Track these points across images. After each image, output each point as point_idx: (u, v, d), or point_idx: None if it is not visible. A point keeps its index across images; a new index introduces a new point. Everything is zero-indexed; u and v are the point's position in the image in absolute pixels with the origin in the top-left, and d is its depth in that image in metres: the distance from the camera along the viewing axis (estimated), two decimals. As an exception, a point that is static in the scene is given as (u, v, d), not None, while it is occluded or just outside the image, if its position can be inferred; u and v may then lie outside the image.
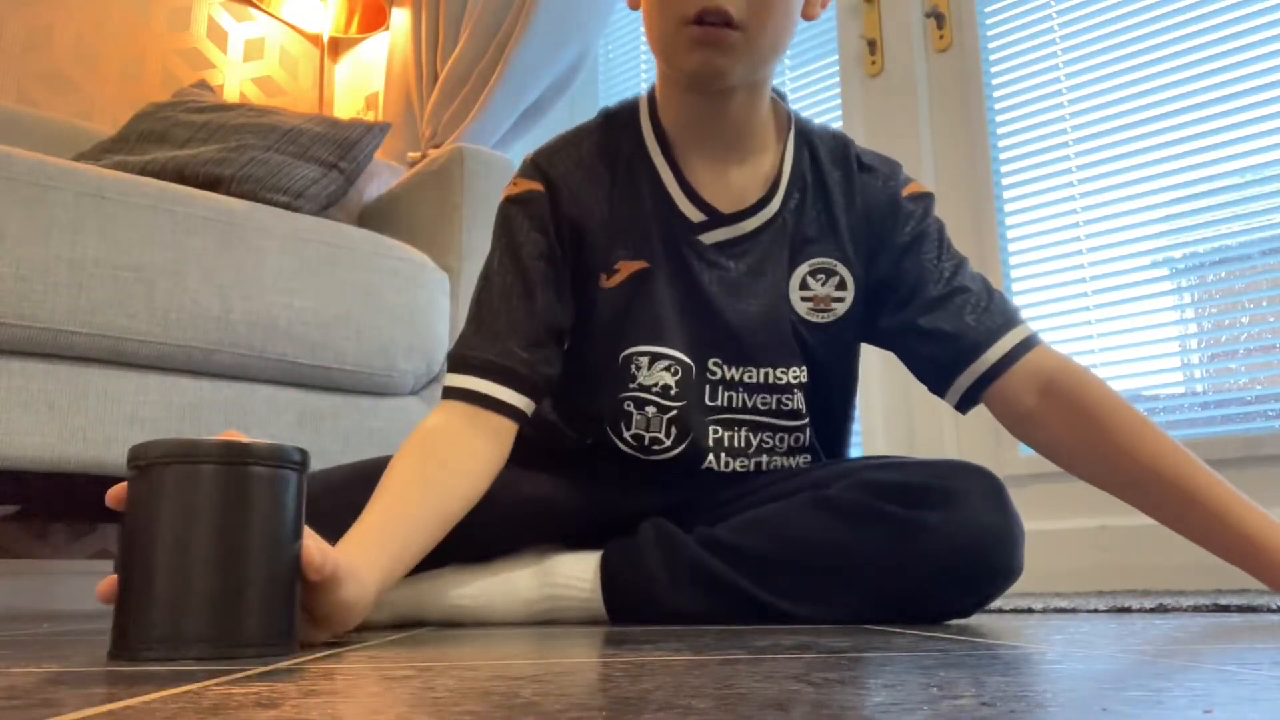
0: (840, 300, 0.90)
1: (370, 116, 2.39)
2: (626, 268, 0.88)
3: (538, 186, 0.89)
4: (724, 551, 0.81)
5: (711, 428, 0.88)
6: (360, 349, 1.38)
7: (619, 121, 0.93)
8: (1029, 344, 0.86)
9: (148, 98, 2.17)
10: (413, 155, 1.98)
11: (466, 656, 0.51)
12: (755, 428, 0.89)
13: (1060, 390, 0.84)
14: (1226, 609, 0.87)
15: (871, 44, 1.73)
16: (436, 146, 1.97)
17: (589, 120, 0.94)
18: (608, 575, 0.84)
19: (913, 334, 0.89)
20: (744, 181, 0.90)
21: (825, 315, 0.90)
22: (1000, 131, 1.59)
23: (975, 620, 0.81)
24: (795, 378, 0.89)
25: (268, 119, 1.59)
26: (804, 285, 0.90)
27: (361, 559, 0.65)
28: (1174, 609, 0.90)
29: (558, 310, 0.88)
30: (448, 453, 0.80)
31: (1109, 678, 0.37)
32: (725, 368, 0.88)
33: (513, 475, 0.85)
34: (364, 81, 2.46)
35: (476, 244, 1.56)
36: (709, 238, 0.89)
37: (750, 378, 0.88)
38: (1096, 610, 0.89)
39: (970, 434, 1.50)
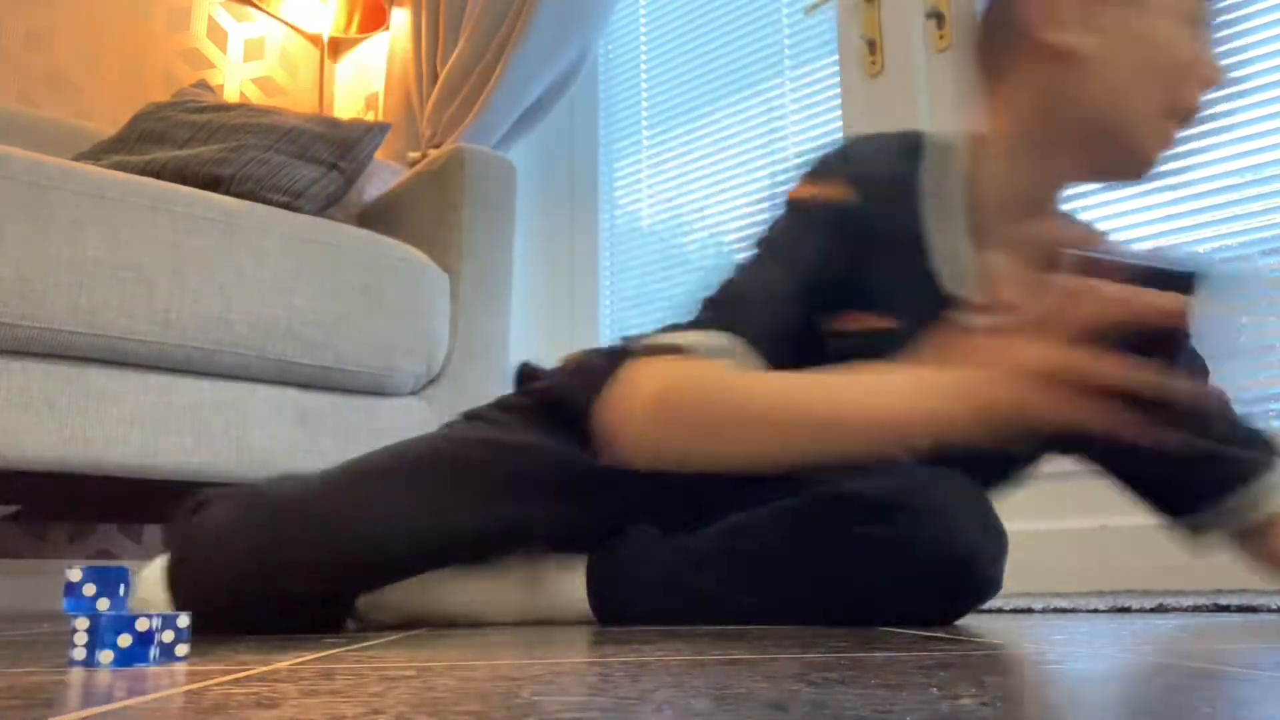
0: None
1: (370, 116, 2.39)
2: (866, 320, 0.77)
3: (853, 197, 0.75)
4: (698, 562, 0.82)
5: None
6: (360, 349, 1.38)
7: (918, 155, 0.77)
8: None
9: (148, 98, 2.17)
10: (413, 155, 1.98)
11: (466, 656, 0.51)
12: None
13: None
14: (1226, 609, 0.87)
15: (871, 44, 1.73)
16: (436, 146, 1.97)
17: (898, 135, 0.80)
18: (594, 585, 0.85)
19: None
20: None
21: None
22: (1000, 131, 1.59)
23: (975, 620, 0.81)
24: None
25: (268, 119, 1.59)
26: None
27: None
28: (1174, 609, 0.90)
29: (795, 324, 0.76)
30: None
31: (1109, 678, 0.37)
32: None
33: (529, 475, 0.84)
34: (364, 81, 2.46)
35: (476, 244, 1.56)
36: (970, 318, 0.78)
37: None
38: (1096, 610, 0.89)
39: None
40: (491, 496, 0.83)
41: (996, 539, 0.76)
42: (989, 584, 0.76)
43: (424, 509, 0.82)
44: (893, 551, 0.75)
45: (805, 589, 0.79)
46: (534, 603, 0.86)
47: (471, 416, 0.93)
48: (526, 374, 0.97)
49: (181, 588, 0.83)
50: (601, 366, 0.91)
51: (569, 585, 0.86)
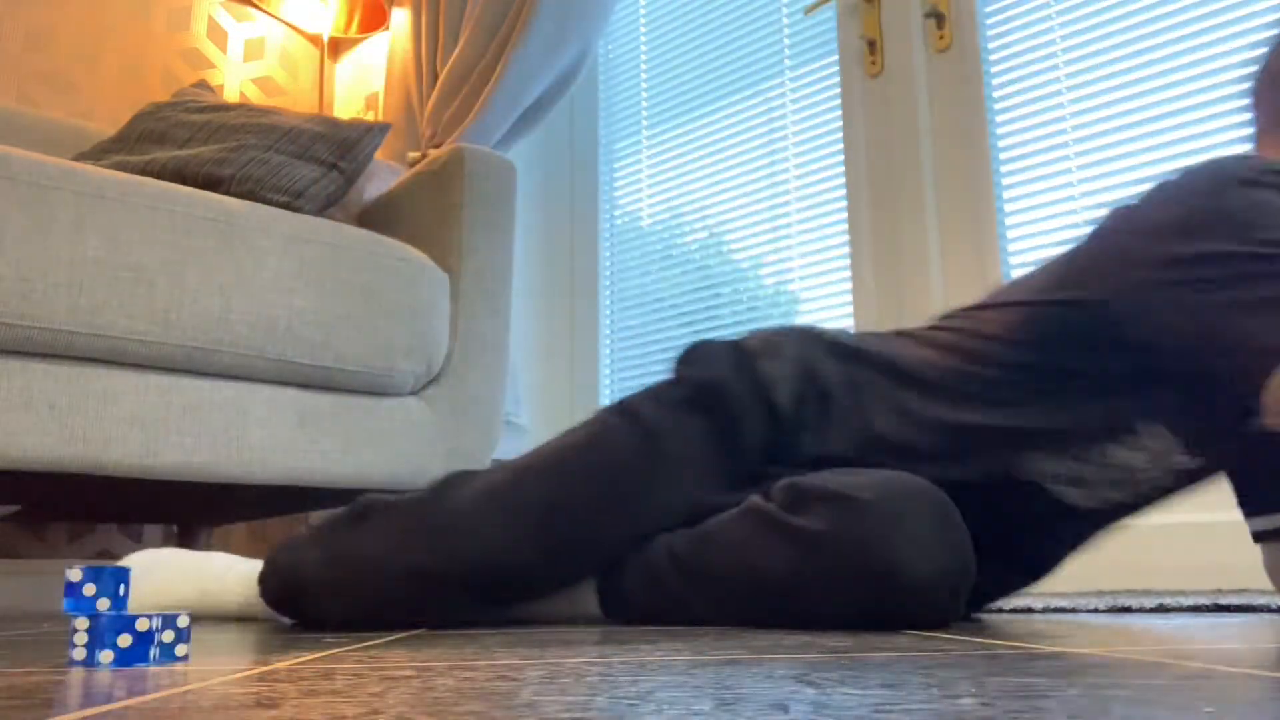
0: None
1: (370, 116, 2.39)
2: None
3: None
4: (674, 559, 0.82)
5: None
6: (360, 349, 1.37)
7: None
8: None
9: (148, 98, 2.17)
10: (413, 155, 1.98)
11: (466, 656, 0.51)
12: None
13: None
14: (1226, 609, 0.87)
15: (871, 44, 1.73)
16: (436, 146, 1.97)
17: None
18: (600, 584, 0.87)
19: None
20: None
21: None
22: (1000, 131, 1.59)
23: (975, 620, 0.81)
24: None
25: (268, 119, 1.59)
26: None
27: None
28: (1174, 609, 0.90)
29: None
30: None
31: (1109, 678, 0.37)
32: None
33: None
34: (364, 81, 2.46)
35: (476, 244, 1.56)
36: None
37: None
38: (1096, 610, 0.89)
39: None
40: (628, 526, 0.83)
41: (945, 558, 0.70)
42: (922, 598, 0.70)
43: (573, 538, 0.82)
44: (819, 546, 0.71)
45: (750, 587, 0.76)
46: (556, 602, 0.88)
47: (627, 411, 0.86)
48: (691, 358, 0.89)
49: (321, 598, 0.83)
50: (791, 350, 0.86)
51: (585, 585, 0.87)
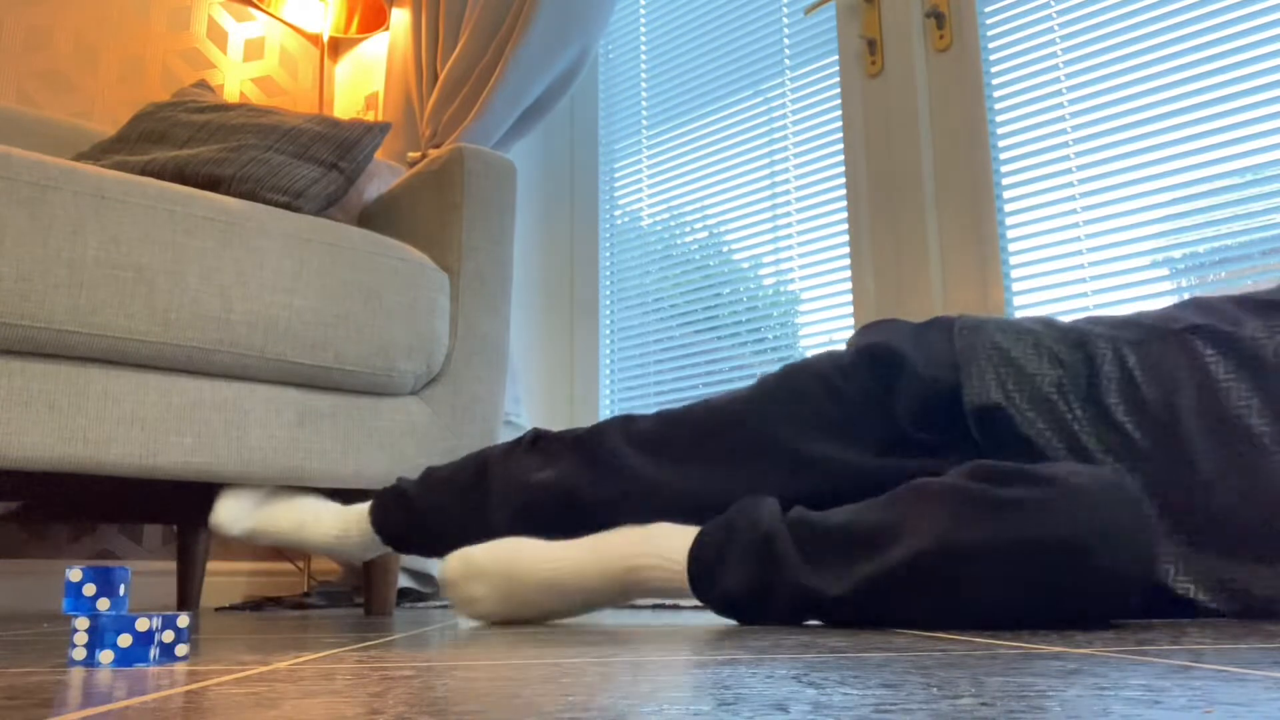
0: None
1: (370, 116, 2.39)
2: None
3: None
4: (802, 529, 0.80)
5: None
6: (360, 349, 1.37)
7: None
8: None
9: (148, 98, 2.17)
10: (413, 155, 1.98)
11: (466, 656, 0.51)
12: None
13: None
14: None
15: (871, 44, 1.73)
16: (436, 146, 1.97)
17: None
18: (693, 551, 0.84)
19: None
20: None
21: None
22: (1000, 131, 1.59)
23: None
24: None
25: (268, 119, 1.59)
26: None
27: None
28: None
29: None
30: None
31: (1108, 678, 0.37)
32: None
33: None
34: (364, 81, 2.46)
35: (476, 244, 1.56)
36: None
37: None
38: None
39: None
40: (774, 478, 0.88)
41: (1131, 549, 0.69)
42: (1103, 581, 0.68)
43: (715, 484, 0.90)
44: (1034, 510, 0.70)
45: (942, 557, 0.75)
46: (626, 571, 0.88)
47: (802, 361, 0.93)
48: (872, 326, 0.96)
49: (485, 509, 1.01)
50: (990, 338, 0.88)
51: (677, 549, 0.85)
